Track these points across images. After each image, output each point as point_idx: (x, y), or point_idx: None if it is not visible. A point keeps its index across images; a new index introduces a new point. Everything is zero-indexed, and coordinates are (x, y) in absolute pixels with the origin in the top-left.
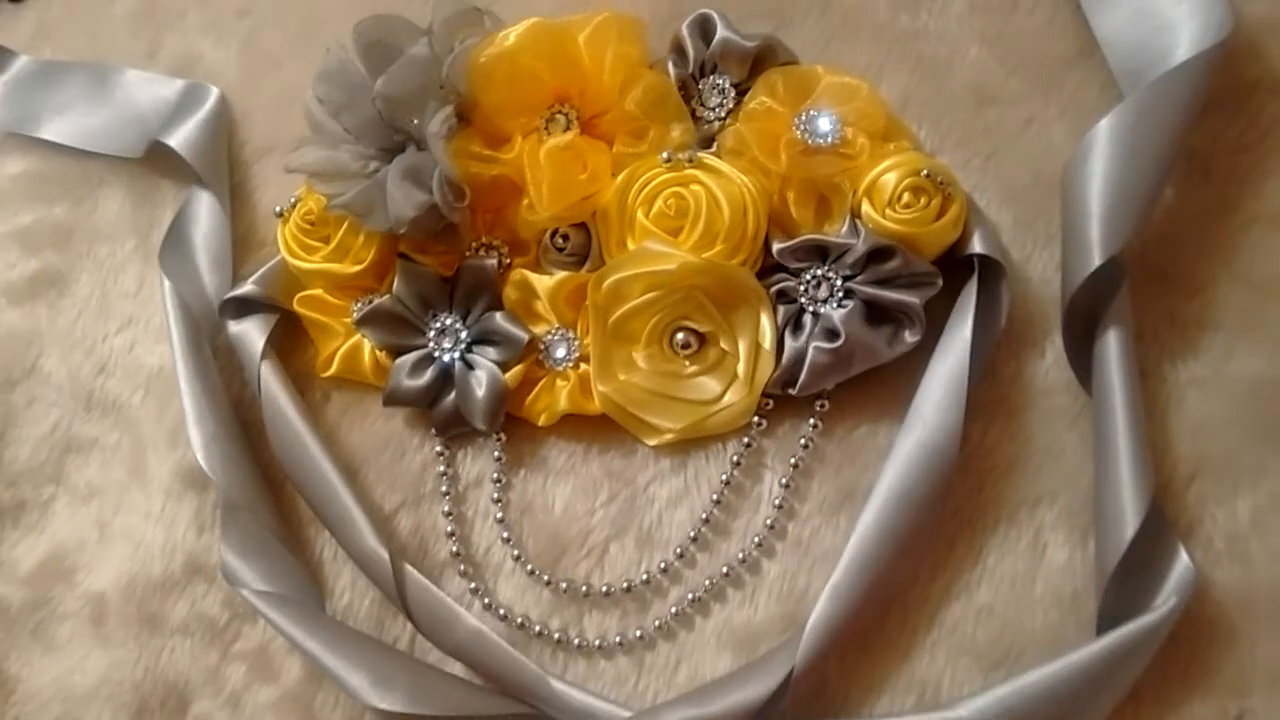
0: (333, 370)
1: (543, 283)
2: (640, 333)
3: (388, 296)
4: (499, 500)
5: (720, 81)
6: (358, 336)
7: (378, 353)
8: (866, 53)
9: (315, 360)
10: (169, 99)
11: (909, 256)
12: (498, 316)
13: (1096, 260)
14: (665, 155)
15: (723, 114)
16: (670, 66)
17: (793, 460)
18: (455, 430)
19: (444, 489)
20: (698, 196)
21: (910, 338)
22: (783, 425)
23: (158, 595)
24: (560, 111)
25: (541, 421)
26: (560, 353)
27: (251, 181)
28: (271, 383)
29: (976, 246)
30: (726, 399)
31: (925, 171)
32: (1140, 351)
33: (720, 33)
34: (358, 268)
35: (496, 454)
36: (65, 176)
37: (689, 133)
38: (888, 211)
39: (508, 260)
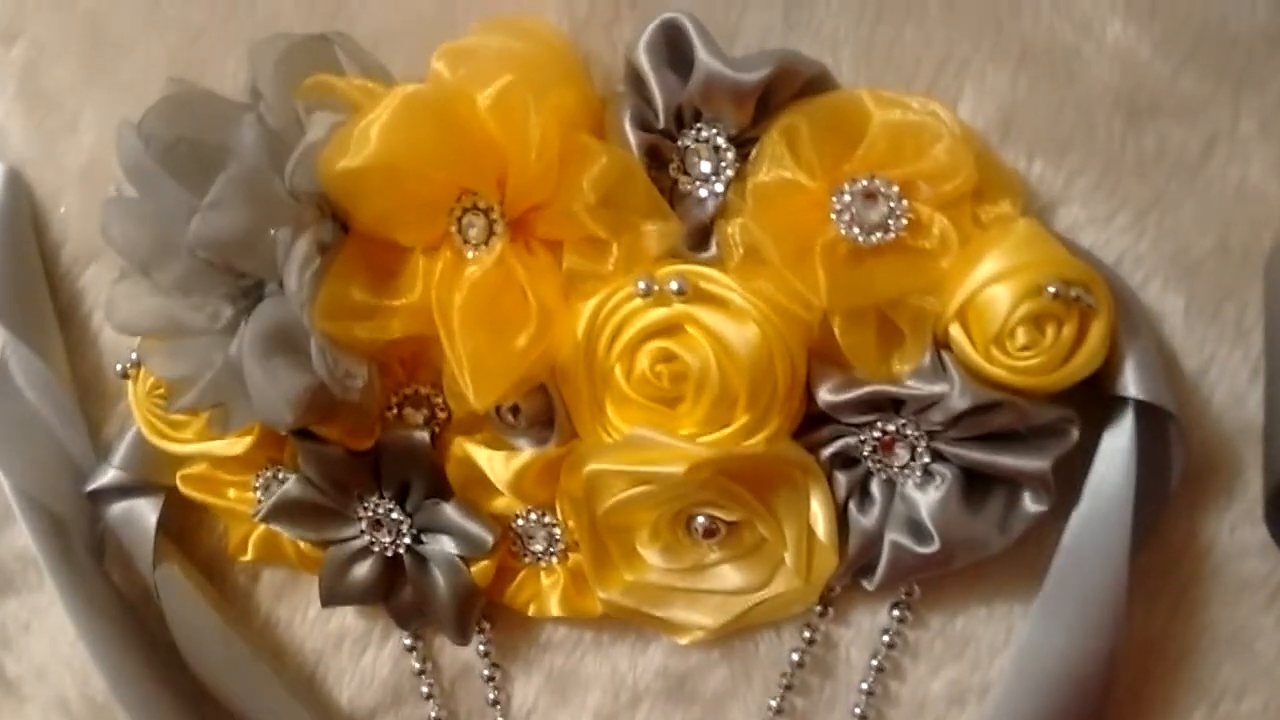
0: (248, 556)
1: (498, 468)
2: (643, 524)
3: (293, 481)
4: (497, 702)
5: (710, 135)
6: None
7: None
8: (940, 41)
9: (228, 537)
10: None
11: (1026, 408)
12: (447, 509)
13: None
14: (642, 285)
15: (719, 187)
16: (627, 125)
17: (875, 661)
18: (421, 623)
19: (425, 689)
20: (700, 353)
21: (1033, 506)
22: (856, 609)
23: None
24: (476, 208)
25: (530, 613)
26: (539, 545)
27: (84, 302)
28: (175, 590)
29: (1130, 387)
30: (772, 588)
31: (1054, 289)
32: None
33: (702, 60)
34: (246, 442)
35: (481, 647)
36: None
37: (670, 233)
38: (994, 353)
39: (443, 413)
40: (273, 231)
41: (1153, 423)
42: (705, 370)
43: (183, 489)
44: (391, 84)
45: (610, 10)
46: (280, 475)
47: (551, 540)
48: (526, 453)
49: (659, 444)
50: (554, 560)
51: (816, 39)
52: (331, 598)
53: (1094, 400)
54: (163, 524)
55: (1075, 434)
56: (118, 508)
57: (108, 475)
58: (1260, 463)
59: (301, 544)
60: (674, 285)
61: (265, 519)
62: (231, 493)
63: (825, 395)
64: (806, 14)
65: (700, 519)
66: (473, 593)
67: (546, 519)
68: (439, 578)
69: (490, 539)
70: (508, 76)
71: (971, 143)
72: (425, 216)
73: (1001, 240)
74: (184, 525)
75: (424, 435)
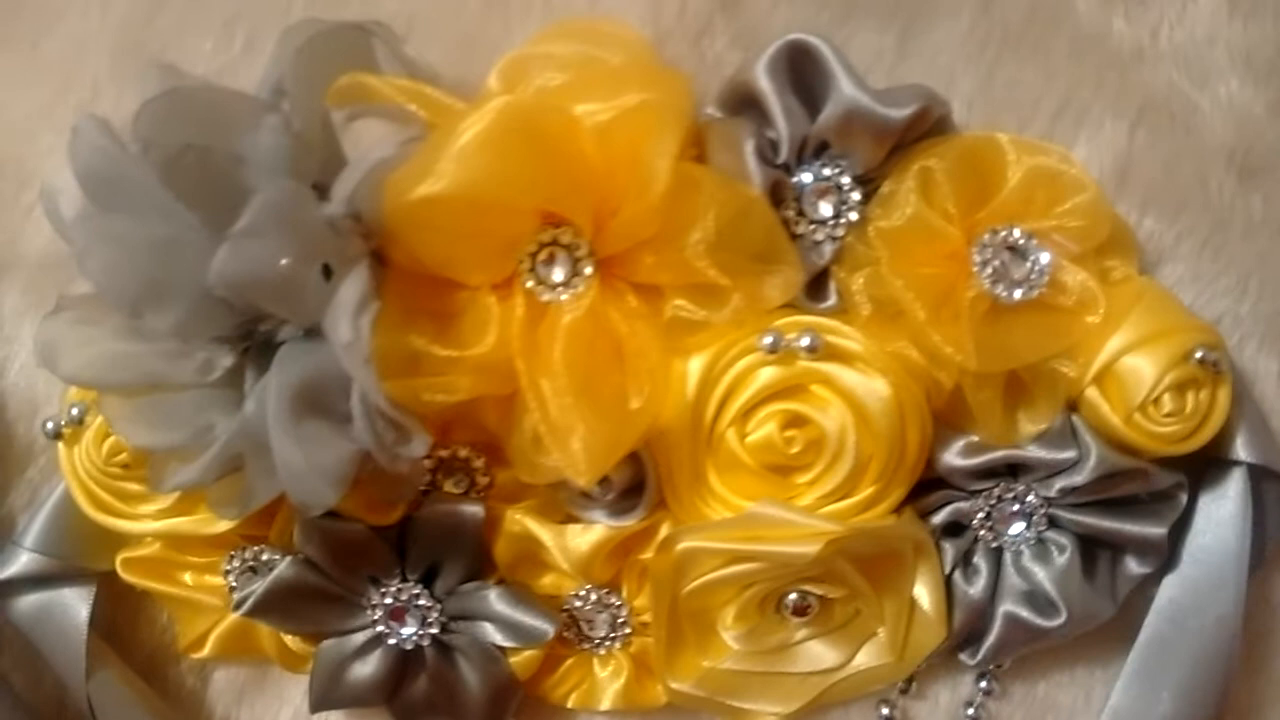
0: (206, 653)
1: (570, 544)
2: (727, 603)
3: (288, 563)
4: None
5: (834, 173)
6: None
7: None
8: (1062, 84)
9: (173, 630)
10: None
11: (1154, 474)
12: (493, 597)
13: None
14: (769, 341)
15: (839, 231)
16: (750, 157)
17: None
18: None
19: None
20: (836, 417)
21: (1139, 569)
22: (934, 683)
23: None
24: (557, 243)
25: (572, 704)
26: (601, 631)
27: None
28: (112, 702)
29: (1241, 451)
30: (857, 662)
31: (1200, 354)
32: None
33: (845, 90)
34: (228, 520)
35: None
36: None
37: (794, 282)
38: (1136, 419)
39: (485, 479)
40: (285, 261)
41: (1251, 483)
42: (842, 436)
43: (124, 575)
44: (439, 85)
45: (701, 20)
46: (265, 557)
47: (614, 624)
48: (599, 527)
49: (783, 520)
50: (615, 646)
51: (931, 69)
52: (324, 701)
53: (1187, 461)
54: (92, 619)
55: (1184, 498)
56: (29, 601)
57: (19, 560)
58: None
59: (287, 638)
60: (805, 342)
61: (251, 612)
62: (188, 577)
63: (951, 459)
64: (924, 41)
65: (792, 596)
66: (511, 687)
67: (611, 599)
68: (468, 672)
69: (551, 629)
70: (639, 95)
71: (1108, 202)
72: (499, 252)
73: (1135, 302)
74: (117, 617)
75: (477, 509)
